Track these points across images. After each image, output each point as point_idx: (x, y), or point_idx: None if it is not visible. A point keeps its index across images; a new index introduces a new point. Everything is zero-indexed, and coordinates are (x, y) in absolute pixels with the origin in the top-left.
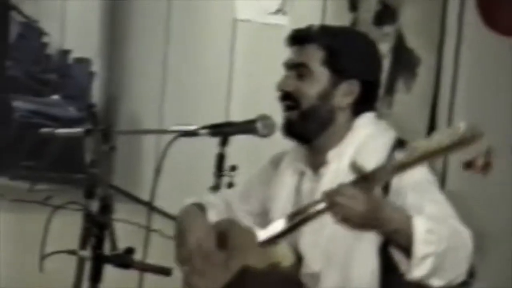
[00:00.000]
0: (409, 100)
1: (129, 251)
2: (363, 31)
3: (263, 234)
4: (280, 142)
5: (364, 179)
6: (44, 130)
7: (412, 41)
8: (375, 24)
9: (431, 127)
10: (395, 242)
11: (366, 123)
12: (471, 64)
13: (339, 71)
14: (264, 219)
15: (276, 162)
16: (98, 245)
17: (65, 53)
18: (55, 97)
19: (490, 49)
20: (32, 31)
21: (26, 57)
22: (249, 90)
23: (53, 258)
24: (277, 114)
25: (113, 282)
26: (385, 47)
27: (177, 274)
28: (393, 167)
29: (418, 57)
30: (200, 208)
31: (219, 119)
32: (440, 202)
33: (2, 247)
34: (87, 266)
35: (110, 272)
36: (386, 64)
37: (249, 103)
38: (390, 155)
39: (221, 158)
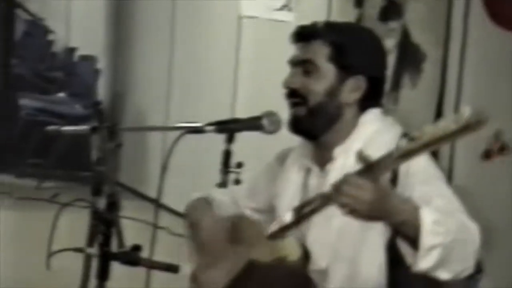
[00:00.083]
0: (415, 95)
1: (136, 248)
2: (367, 27)
3: (271, 227)
4: (286, 139)
5: (370, 168)
6: (50, 128)
7: (418, 37)
8: (381, 20)
9: None
10: (402, 233)
11: (372, 119)
12: (476, 59)
13: (346, 67)
14: (271, 217)
15: (282, 159)
16: (105, 243)
17: (70, 51)
18: (61, 94)
19: (496, 44)
20: (38, 29)
21: (32, 55)
22: (254, 86)
23: (60, 256)
24: (283, 111)
25: (120, 279)
26: (390, 43)
27: (185, 271)
28: (399, 155)
29: (423, 52)
30: (207, 202)
31: (225, 115)
32: (448, 196)
33: (9, 245)
34: (94, 264)
35: (117, 269)
36: (391, 60)
37: (255, 99)
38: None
39: (227, 155)
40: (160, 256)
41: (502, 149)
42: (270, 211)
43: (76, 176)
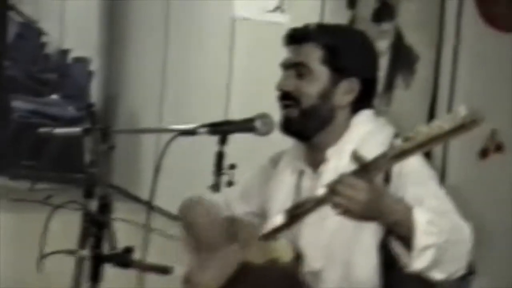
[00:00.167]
0: (408, 96)
1: (128, 250)
2: (359, 29)
3: (263, 229)
4: (279, 141)
5: (365, 168)
6: (43, 129)
7: (411, 38)
8: (374, 21)
9: None
10: (395, 234)
11: (365, 120)
12: (470, 60)
13: (339, 69)
14: (264, 219)
15: (275, 162)
16: (97, 245)
17: (64, 52)
18: (54, 96)
19: (489, 45)
20: (31, 31)
21: (24, 57)
22: (248, 88)
23: (52, 258)
24: (276, 113)
25: (112, 281)
26: (383, 44)
27: (177, 272)
28: (393, 154)
29: (416, 53)
30: (201, 202)
31: (218, 117)
32: (440, 197)
33: (2, 247)
34: (86, 266)
35: (109, 271)
36: (384, 61)
37: (248, 101)
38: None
39: (220, 157)
40: (152, 258)
41: (498, 148)
42: (264, 214)
43: (69, 178)
